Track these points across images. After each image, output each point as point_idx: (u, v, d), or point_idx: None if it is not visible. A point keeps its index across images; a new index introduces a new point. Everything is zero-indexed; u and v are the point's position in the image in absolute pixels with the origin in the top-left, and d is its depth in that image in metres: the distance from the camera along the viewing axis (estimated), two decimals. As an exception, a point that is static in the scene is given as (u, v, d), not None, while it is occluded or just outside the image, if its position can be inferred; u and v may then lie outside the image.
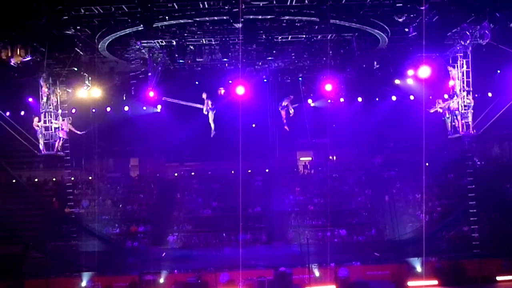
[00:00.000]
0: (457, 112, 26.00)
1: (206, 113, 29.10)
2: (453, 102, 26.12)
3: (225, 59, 28.21)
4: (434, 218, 36.84)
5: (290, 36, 26.65)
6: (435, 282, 29.67)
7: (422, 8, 22.32)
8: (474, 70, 25.79)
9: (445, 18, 23.84)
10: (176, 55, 27.70)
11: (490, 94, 33.57)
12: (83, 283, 30.12)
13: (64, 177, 36.27)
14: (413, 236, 33.86)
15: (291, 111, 30.50)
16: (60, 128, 27.49)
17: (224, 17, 23.20)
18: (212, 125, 29.32)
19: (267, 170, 42.28)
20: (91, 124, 30.46)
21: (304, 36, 26.47)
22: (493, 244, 31.83)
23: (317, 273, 30.23)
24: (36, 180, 41.84)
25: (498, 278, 30.12)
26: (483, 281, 25.99)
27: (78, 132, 28.76)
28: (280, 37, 26.59)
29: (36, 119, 27.22)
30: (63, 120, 27.76)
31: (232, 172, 41.12)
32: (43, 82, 26.89)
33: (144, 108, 35.20)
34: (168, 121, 37.17)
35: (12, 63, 23.60)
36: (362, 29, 25.82)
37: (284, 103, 30.56)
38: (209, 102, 28.94)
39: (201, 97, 28.91)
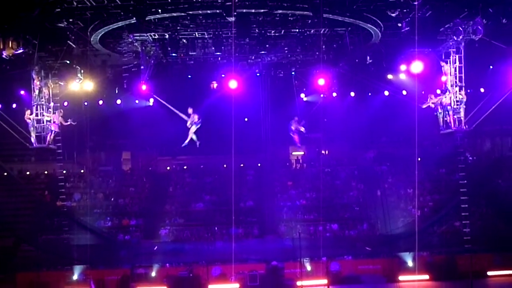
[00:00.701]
0: (449, 107, 26.11)
1: (189, 126, 29.12)
2: (445, 97, 26.23)
3: (218, 53, 28.23)
4: (426, 213, 36.92)
5: (283, 30, 26.64)
6: (427, 276, 29.73)
7: (415, 3, 22.43)
8: (467, 65, 25.90)
9: (438, 13, 23.89)
10: (169, 49, 27.68)
11: (482, 90, 33.67)
12: (75, 276, 30.04)
13: (56, 170, 36.20)
14: (405, 230, 33.94)
15: (302, 129, 30.72)
16: (52, 121, 27.43)
17: (217, 11, 23.16)
18: (192, 136, 29.36)
19: (259, 164, 42.26)
20: (83, 117, 30.30)
21: (297, 30, 26.48)
22: (484, 239, 31.88)
23: (308, 267, 30.27)
24: (27, 173, 41.72)
25: (489, 273, 30.24)
26: (474, 276, 26.04)
27: (69, 122, 28.60)
28: (273, 31, 26.58)
29: (28, 112, 27.16)
30: (55, 113, 27.69)
31: (225, 166, 41.10)
32: (35, 75, 26.82)
33: (137, 101, 35.11)
34: (160, 115, 37.03)
35: (4, 56, 23.50)
36: (355, 24, 25.83)
37: (293, 127, 30.75)
38: (196, 117, 29.01)
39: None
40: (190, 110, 29.13)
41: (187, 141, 29.73)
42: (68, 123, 28.59)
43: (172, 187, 41.24)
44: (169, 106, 30.18)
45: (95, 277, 30.20)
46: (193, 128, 29.24)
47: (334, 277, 29.41)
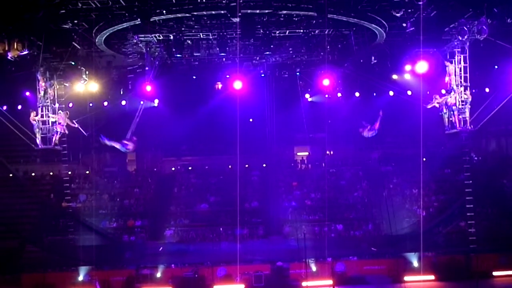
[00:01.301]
0: (454, 107, 26.07)
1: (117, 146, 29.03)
2: (450, 97, 26.20)
3: (222, 54, 28.21)
4: (431, 213, 36.85)
5: (287, 31, 26.67)
6: (432, 277, 29.67)
7: (420, 3, 22.37)
8: (472, 65, 25.86)
9: (443, 13, 23.88)
10: (174, 49, 27.71)
11: (487, 90, 33.62)
12: (80, 277, 30.05)
13: (61, 171, 36.22)
14: (410, 231, 33.88)
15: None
16: (57, 122, 27.50)
17: (222, 11, 23.21)
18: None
19: (264, 165, 42.25)
20: (88, 118, 30.34)
21: (301, 30, 26.49)
22: (489, 239, 31.81)
23: (314, 268, 30.19)
24: (33, 174, 41.76)
25: (495, 273, 30.13)
26: (480, 276, 26.00)
27: (76, 125, 28.70)
28: (277, 32, 26.61)
29: (33, 113, 27.22)
30: (61, 114, 27.76)
31: (230, 166, 41.12)
32: (41, 76, 26.90)
33: (142, 102, 35.14)
34: (165, 116, 37.13)
35: (9, 57, 23.57)
36: (359, 24, 25.83)
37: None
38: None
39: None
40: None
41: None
42: (76, 125, 28.69)
43: (177, 188, 41.25)
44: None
45: (101, 278, 30.20)
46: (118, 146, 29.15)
47: (339, 277, 29.37)
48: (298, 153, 44.59)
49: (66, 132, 28.39)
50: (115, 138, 28.47)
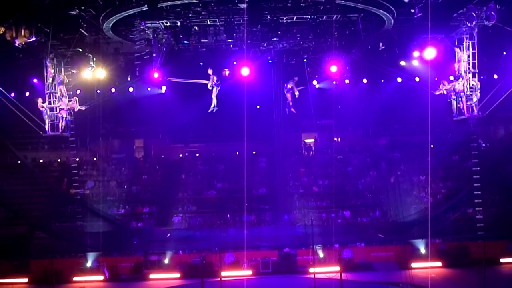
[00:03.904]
0: (462, 94, 25.96)
1: (210, 88, 29.11)
2: (458, 84, 26.07)
3: (229, 40, 28.14)
4: (439, 200, 36.85)
5: (295, 17, 26.52)
6: (439, 263, 29.72)
7: (428, -12, 22.23)
8: (480, 51, 25.70)
9: (451, -1, 23.74)
10: (181, 36, 27.68)
11: (495, 76, 33.48)
12: (88, 264, 30.25)
13: (69, 158, 36.34)
14: (418, 217, 33.92)
15: (296, 93, 30.46)
16: (65, 109, 27.55)
17: (229, -3, 23.14)
18: (214, 101, 29.36)
19: (271, 152, 42.24)
20: (95, 105, 30.37)
21: (309, 16, 26.35)
22: (497, 226, 31.80)
23: (321, 254, 30.29)
24: (41, 161, 41.98)
25: (502, 260, 30.15)
26: (487, 263, 25.95)
27: (84, 108, 28.80)
28: (285, 18, 26.47)
29: (40, 100, 27.26)
30: (70, 100, 27.81)
31: (237, 153, 41.18)
32: (49, 63, 26.91)
33: (149, 89, 35.18)
34: (172, 102, 37.15)
35: (16, 44, 23.59)
36: (367, 10, 25.71)
37: (289, 86, 30.48)
38: (215, 78, 28.98)
39: (207, 74, 28.88)
40: (210, 71, 29.04)
41: (215, 104, 29.53)
42: (84, 108, 28.76)
43: (184, 175, 41.37)
44: (186, 81, 30.21)
45: (109, 264, 30.41)
46: (215, 90, 29.20)
47: (347, 264, 29.42)
48: (306, 140, 44.57)
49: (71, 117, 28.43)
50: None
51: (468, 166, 33.78)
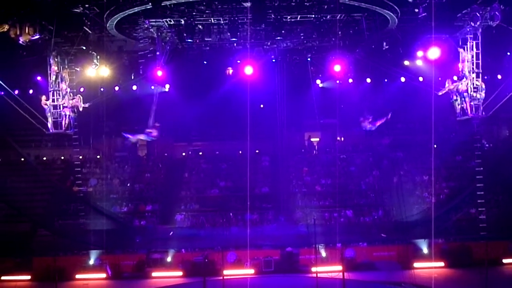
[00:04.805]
0: (466, 94, 25.95)
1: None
2: (461, 84, 26.05)
3: (233, 39, 28.17)
4: (442, 200, 36.74)
5: (299, 16, 26.55)
6: (442, 263, 29.69)
7: (432, -12, 22.22)
8: (484, 52, 25.67)
9: (456, -2, 23.74)
10: (185, 34, 27.71)
11: (499, 76, 33.42)
12: (91, 261, 30.29)
13: (72, 155, 36.35)
14: (420, 217, 33.83)
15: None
16: (68, 106, 27.58)
17: (233, -4, 23.15)
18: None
19: (274, 151, 42.22)
20: (99, 103, 30.39)
21: (313, 16, 26.38)
22: (500, 226, 31.78)
23: (323, 253, 30.30)
24: (44, 158, 41.96)
25: (505, 260, 30.10)
26: (490, 263, 25.93)
27: (87, 105, 28.85)
28: (289, 17, 26.49)
29: (43, 97, 27.29)
30: (73, 98, 27.84)
31: (240, 152, 41.11)
32: (53, 61, 26.94)
33: (152, 87, 35.17)
34: (176, 101, 37.13)
35: (20, 42, 23.65)
36: (371, 9, 25.72)
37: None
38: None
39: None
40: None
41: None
42: (87, 105, 28.79)
43: (187, 173, 41.32)
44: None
45: (111, 262, 30.45)
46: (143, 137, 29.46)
47: (349, 263, 29.40)
48: (312, 139, 44.55)
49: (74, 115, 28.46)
50: (138, 131, 28.64)
51: (471, 166, 33.69)
